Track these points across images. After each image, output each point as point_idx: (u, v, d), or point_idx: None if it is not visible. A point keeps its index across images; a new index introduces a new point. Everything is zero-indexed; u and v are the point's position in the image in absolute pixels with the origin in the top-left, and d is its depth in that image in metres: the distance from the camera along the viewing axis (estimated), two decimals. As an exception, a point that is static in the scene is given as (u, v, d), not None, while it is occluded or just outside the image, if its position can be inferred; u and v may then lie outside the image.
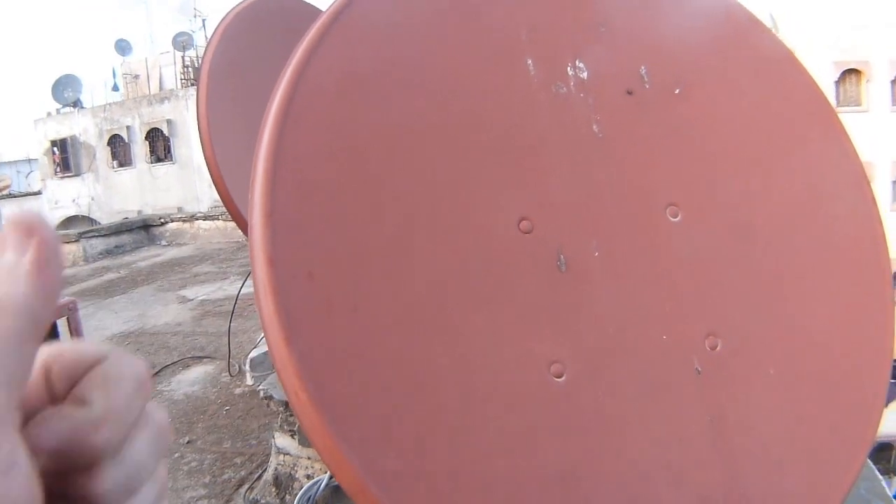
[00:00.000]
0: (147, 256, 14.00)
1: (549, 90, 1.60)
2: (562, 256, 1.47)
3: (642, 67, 1.73)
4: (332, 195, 1.30)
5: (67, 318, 2.74)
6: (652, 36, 1.80)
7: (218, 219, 15.36)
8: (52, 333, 2.65)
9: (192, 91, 27.37)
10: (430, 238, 1.36)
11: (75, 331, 2.76)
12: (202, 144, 4.42)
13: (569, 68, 1.65)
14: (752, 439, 1.51)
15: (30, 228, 0.43)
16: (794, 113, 1.86)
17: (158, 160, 29.42)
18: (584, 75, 1.65)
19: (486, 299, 1.36)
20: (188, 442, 4.76)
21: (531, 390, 1.33)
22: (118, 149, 30.74)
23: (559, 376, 1.36)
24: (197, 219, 15.86)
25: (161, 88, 31.69)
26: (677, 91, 1.77)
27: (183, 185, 28.07)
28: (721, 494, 1.44)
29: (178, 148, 28.58)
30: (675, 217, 1.64)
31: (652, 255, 1.59)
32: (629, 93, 1.71)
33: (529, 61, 1.61)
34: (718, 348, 1.56)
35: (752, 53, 1.90)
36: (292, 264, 1.22)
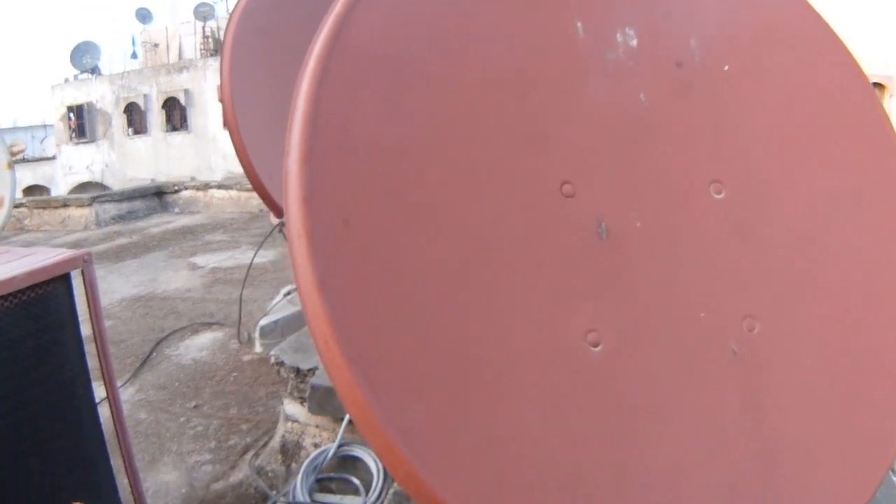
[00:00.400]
0: (159, 223, 13.95)
1: (598, 55, 1.55)
2: (603, 224, 1.42)
3: (693, 41, 1.68)
4: (373, 144, 1.25)
5: (82, 271, 2.69)
6: (704, 10, 1.75)
7: (232, 188, 15.23)
8: (66, 285, 2.61)
9: (212, 61, 27.33)
10: (471, 193, 1.31)
11: (89, 284, 2.71)
12: (224, 109, 4.39)
13: (619, 35, 1.59)
14: (785, 427, 1.46)
15: None
16: (840, 100, 1.80)
17: (174, 129, 29.33)
18: (634, 43, 1.60)
19: (526, 260, 1.32)
20: (195, 406, 4.72)
21: (567, 356, 1.29)
22: (134, 117, 30.68)
23: (595, 345, 1.32)
24: (211, 187, 15.74)
25: (180, 58, 31.57)
26: (726, 68, 1.72)
27: (197, 155, 27.98)
28: (751, 479, 1.39)
29: (194, 118, 28.48)
30: (719, 194, 1.60)
31: (693, 230, 1.54)
32: (679, 65, 1.65)
33: (579, 24, 1.55)
34: (756, 331, 1.51)
35: (802, 38, 1.84)
36: (328, 209, 1.17)
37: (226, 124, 4.35)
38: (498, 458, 1.16)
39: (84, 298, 2.75)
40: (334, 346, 1.10)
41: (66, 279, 2.58)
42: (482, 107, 1.37)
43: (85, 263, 2.62)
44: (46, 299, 2.45)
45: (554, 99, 1.48)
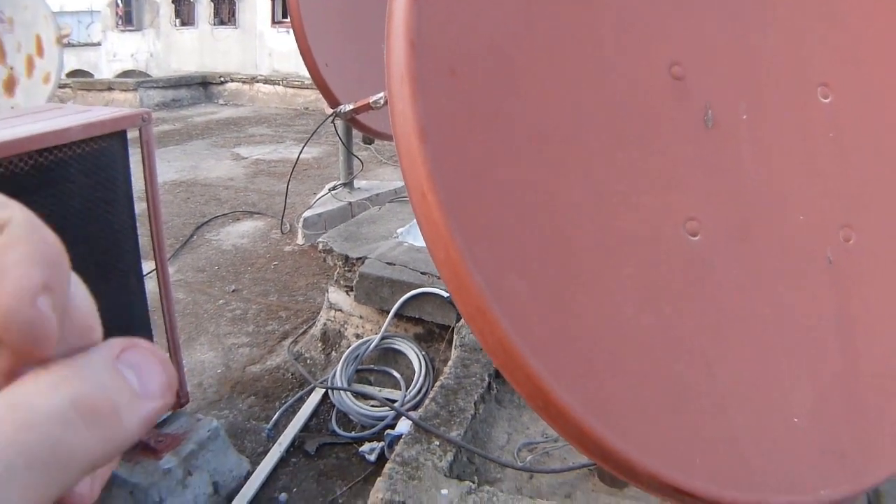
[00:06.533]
0: (203, 113, 13.87)
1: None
2: (710, 111, 1.34)
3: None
4: (483, -6, 1.17)
5: (140, 130, 2.64)
6: None
7: (278, 84, 15.03)
8: (121, 142, 2.54)
9: (265, -44, 26.93)
10: (581, 63, 1.23)
11: (146, 143, 2.66)
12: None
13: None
14: (875, 342, 1.42)
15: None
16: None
17: (221, 23, 29.02)
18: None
19: (630, 139, 1.24)
20: (233, 290, 4.74)
21: (665, 243, 1.23)
22: (182, 7, 30.40)
23: (694, 234, 1.25)
24: (257, 81, 15.59)
25: (232, -50, 31.19)
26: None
27: (243, 51, 27.71)
28: (839, 392, 1.34)
29: (242, 12, 28.13)
30: (826, 98, 1.52)
31: (798, 131, 1.47)
32: (794, -42, 1.57)
33: None
34: (852, 242, 1.46)
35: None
36: (434, 55, 1.10)
37: (287, 9, 4.27)
38: (590, 337, 1.11)
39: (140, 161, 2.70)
40: (431, 197, 1.05)
41: (121, 136, 2.52)
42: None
43: (143, 122, 2.57)
44: (101, 155, 2.40)
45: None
